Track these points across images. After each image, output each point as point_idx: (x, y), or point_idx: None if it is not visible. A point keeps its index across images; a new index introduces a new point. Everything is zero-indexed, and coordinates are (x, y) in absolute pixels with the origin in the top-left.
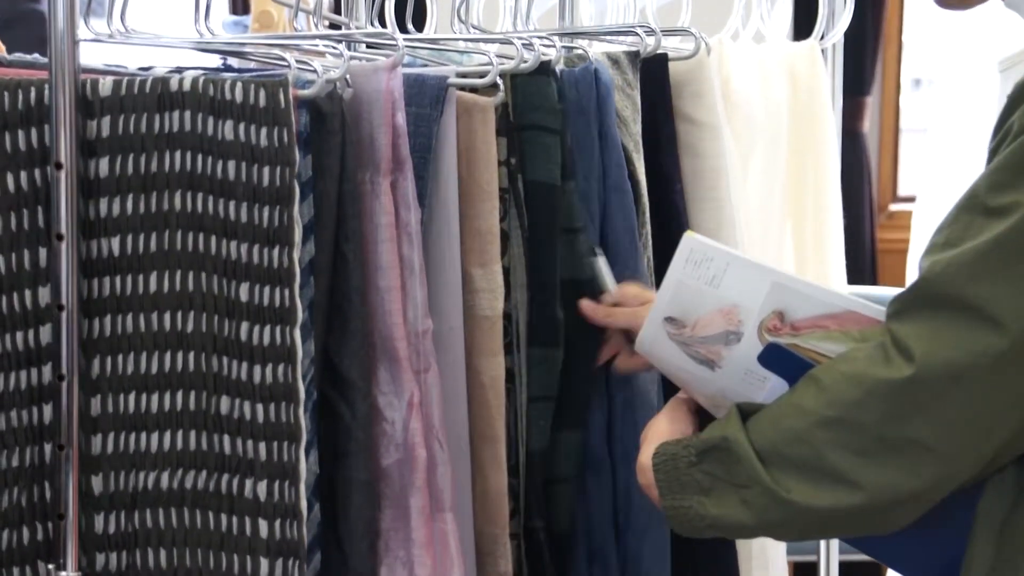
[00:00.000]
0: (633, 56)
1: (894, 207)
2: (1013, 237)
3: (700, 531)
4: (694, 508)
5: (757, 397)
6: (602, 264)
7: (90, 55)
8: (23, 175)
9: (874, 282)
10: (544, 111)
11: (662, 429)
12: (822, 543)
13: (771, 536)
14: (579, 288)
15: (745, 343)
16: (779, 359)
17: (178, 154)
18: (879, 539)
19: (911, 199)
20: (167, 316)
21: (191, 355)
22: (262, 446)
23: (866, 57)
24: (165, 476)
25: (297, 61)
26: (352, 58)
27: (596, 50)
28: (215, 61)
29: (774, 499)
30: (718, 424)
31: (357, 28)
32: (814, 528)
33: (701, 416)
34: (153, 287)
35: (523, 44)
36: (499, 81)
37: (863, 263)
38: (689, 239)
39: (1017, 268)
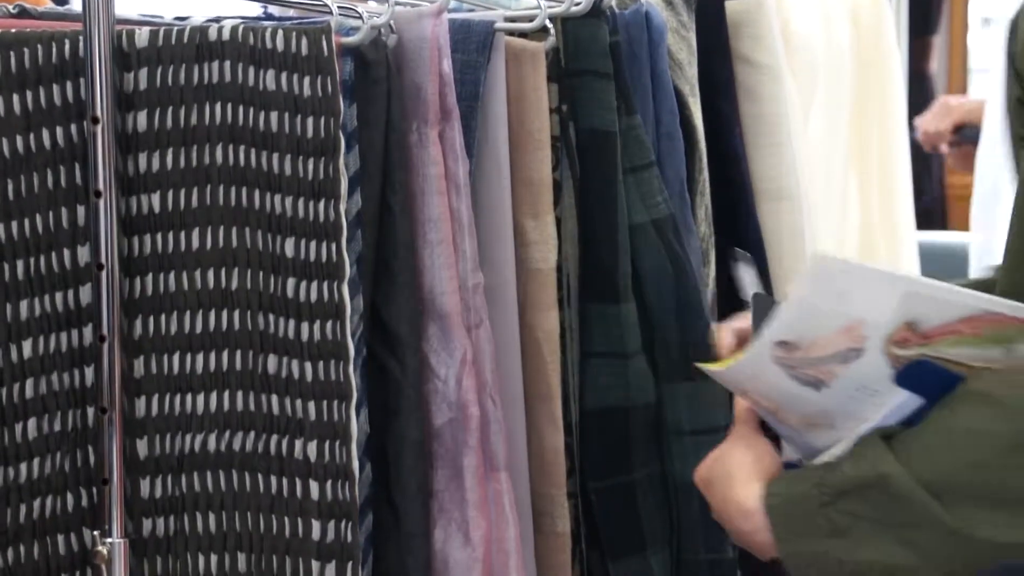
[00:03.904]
0: None
1: None
2: None
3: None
4: (830, 553)
5: (869, 414)
6: (744, 272)
7: (125, 5)
8: (59, 131)
9: (944, 228)
10: (595, 55)
11: (746, 461)
12: None
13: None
14: (659, 230)
15: (867, 358)
16: (922, 376)
17: (219, 106)
18: None
19: None
20: (211, 273)
21: (236, 313)
22: (311, 405)
23: None
24: (212, 438)
25: (340, 7)
26: (396, 4)
27: None
28: (255, 10)
29: (955, 537)
30: (857, 458)
31: None
32: (1001, 561)
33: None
34: (196, 244)
35: None
36: (549, 25)
37: (933, 208)
38: (819, 259)
39: None
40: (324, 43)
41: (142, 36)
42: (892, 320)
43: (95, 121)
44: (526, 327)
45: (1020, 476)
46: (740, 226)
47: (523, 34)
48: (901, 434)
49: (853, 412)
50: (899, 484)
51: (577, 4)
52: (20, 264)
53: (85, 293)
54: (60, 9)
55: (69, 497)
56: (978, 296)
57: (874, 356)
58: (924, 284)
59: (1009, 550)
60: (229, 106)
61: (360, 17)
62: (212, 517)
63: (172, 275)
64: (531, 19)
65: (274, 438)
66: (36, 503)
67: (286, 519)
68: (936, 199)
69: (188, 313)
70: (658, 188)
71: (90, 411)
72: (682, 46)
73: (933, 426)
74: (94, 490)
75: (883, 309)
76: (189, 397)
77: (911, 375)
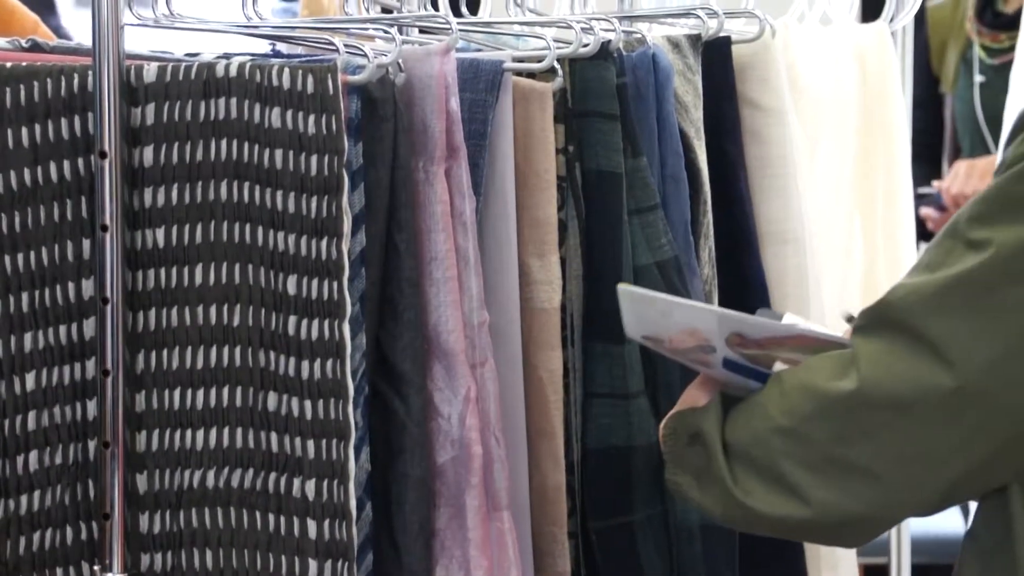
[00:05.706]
0: (695, 39)
1: None
2: (980, 276)
3: (693, 507)
4: (683, 487)
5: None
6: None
7: (135, 41)
8: (66, 164)
9: None
10: (602, 96)
11: (689, 394)
12: (893, 545)
13: (739, 529)
14: (663, 271)
15: (719, 353)
16: (740, 368)
17: (224, 142)
18: None
19: None
20: (213, 309)
21: (238, 349)
22: (310, 444)
23: None
24: (211, 474)
25: (347, 46)
26: (404, 42)
27: (656, 33)
28: (263, 47)
29: (734, 499)
30: (701, 411)
31: (409, 12)
32: (773, 532)
33: None
34: (199, 279)
35: (582, 28)
36: (557, 66)
37: None
38: (623, 292)
39: (978, 308)
40: (329, 81)
41: (150, 71)
42: (719, 332)
43: (103, 155)
44: (530, 366)
45: (781, 458)
46: (744, 269)
47: (531, 74)
48: (738, 399)
49: (744, 385)
50: (708, 440)
51: (585, 46)
52: (25, 296)
53: (88, 326)
54: (71, 43)
55: (68, 531)
56: (785, 325)
57: (724, 352)
58: (732, 314)
59: (774, 522)
60: (235, 143)
61: (366, 56)
62: (209, 553)
63: (175, 310)
64: (539, 60)
65: (272, 476)
66: (36, 536)
67: (283, 557)
68: None
69: (190, 348)
70: (663, 230)
71: (91, 445)
72: (688, 88)
73: (750, 398)
74: (94, 524)
75: (707, 323)
76: (189, 433)
77: (730, 366)
